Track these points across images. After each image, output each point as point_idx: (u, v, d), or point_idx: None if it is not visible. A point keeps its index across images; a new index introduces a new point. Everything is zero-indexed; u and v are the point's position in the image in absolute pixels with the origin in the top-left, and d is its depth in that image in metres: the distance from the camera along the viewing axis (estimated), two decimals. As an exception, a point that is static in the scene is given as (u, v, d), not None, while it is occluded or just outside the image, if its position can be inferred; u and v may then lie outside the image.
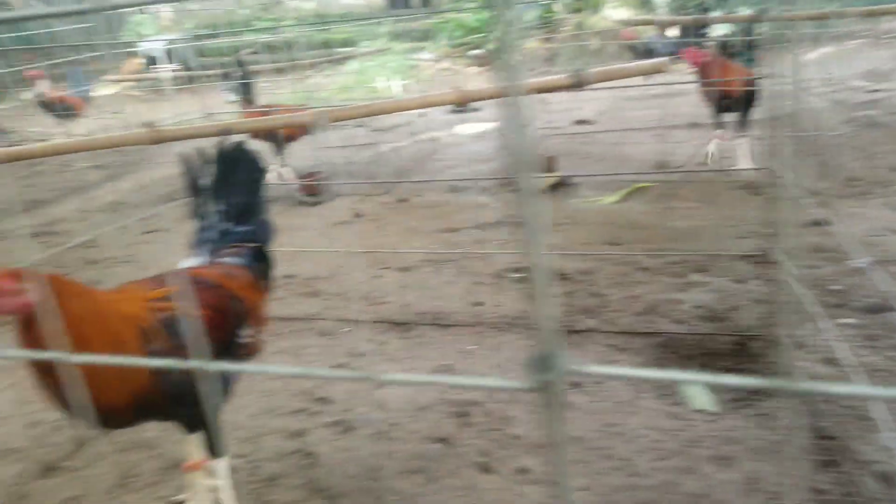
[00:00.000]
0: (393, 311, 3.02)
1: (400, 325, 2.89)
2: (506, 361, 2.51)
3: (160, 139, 1.64)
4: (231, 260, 1.92)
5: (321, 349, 2.75)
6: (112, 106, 9.81)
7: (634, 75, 2.93)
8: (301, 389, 2.43)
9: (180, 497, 1.90)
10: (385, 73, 9.23)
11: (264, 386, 2.46)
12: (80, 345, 1.37)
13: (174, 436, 2.23)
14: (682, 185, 4.28)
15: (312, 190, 4.88)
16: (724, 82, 4.24)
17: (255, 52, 8.27)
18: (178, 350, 1.50)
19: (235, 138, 2.05)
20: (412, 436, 2.12)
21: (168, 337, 1.54)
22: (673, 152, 4.82)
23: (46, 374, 1.42)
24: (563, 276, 3.11)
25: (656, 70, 2.91)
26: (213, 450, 1.74)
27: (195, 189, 1.95)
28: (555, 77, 2.78)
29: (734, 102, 4.30)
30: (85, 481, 2.05)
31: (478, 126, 6.89)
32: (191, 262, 1.89)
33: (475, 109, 7.08)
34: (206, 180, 1.93)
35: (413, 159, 5.92)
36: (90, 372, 1.27)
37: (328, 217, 4.54)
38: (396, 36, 11.01)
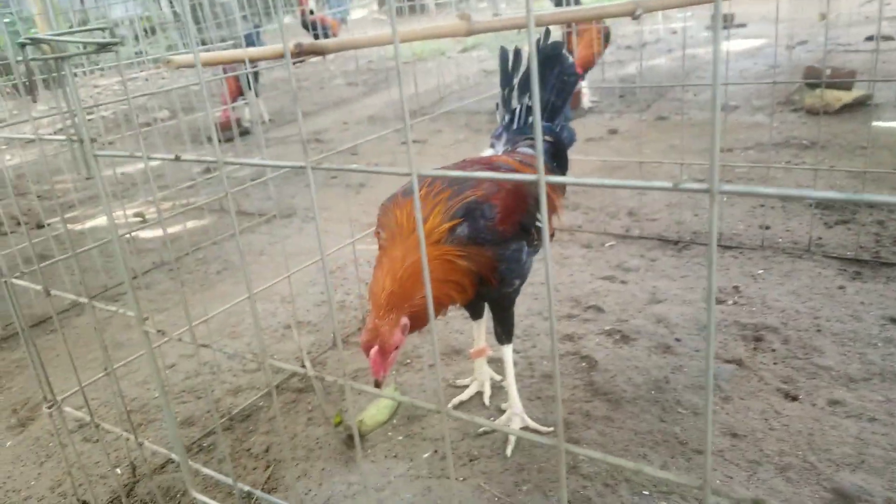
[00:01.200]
0: (662, 228, 2.82)
1: (671, 243, 2.69)
2: (802, 288, 2.22)
3: (473, 31, 1.58)
4: (527, 150, 1.88)
5: (586, 261, 2.66)
6: (361, 28, 10.42)
7: None
8: (570, 296, 2.37)
9: (465, 381, 1.95)
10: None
11: (532, 290, 2.44)
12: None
13: (451, 324, 2.32)
14: None
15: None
16: None
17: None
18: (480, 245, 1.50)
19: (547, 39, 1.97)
20: (697, 353, 1.96)
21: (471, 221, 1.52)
22: None
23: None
24: (871, 206, 2.67)
25: None
26: (504, 335, 1.74)
27: (506, 81, 1.95)
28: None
29: None
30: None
31: (744, 42, 6.19)
32: (489, 151, 1.88)
33: (741, 25, 6.35)
34: (516, 76, 1.93)
35: (671, 77, 5.49)
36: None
37: (580, 133, 4.38)
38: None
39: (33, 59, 1.11)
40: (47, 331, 2.64)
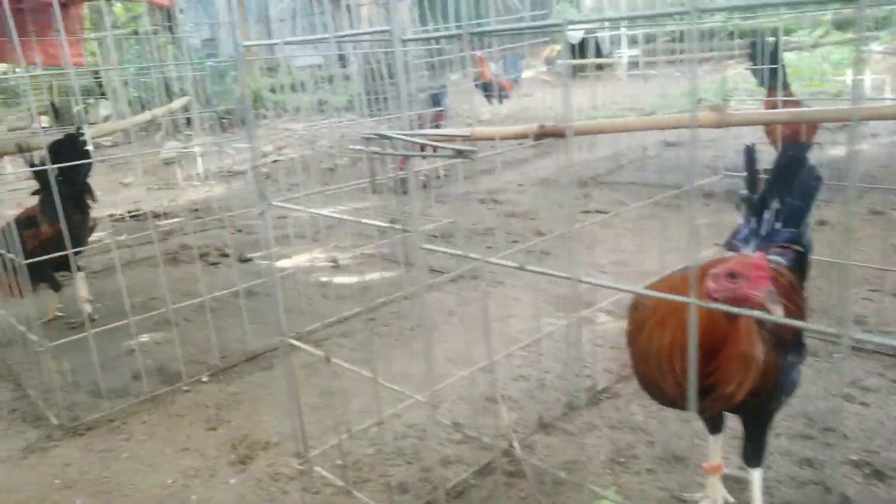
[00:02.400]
0: (900, 344, 2.54)
1: (917, 364, 2.42)
2: None
3: (725, 123, 1.50)
4: (777, 259, 1.78)
5: (814, 371, 2.43)
6: (530, 88, 10.60)
7: None
8: (803, 412, 2.17)
9: (694, 496, 1.82)
10: (825, 66, 8.19)
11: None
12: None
13: (670, 425, 2.19)
14: None
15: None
16: None
17: (671, 41, 8.03)
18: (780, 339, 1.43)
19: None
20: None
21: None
22: None
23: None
24: None
25: None
26: (754, 457, 1.61)
27: (752, 182, 1.90)
28: None
29: None
30: (581, 449, 2.10)
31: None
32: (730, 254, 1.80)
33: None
34: (763, 176, 1.88)
35: (881, 165, 5.09)
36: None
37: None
38: (841, 25, 9.68)
39: (375, 153, 1.17)
40: (259, 367, 2.79)
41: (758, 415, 1.57)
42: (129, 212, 5.78)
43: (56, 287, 3.32)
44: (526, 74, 11.42)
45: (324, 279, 3.83)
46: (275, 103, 10.68)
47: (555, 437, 2.18)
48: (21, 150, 2.72)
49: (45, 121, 10.47)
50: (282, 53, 7.95)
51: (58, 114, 10.91)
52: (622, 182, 5.58)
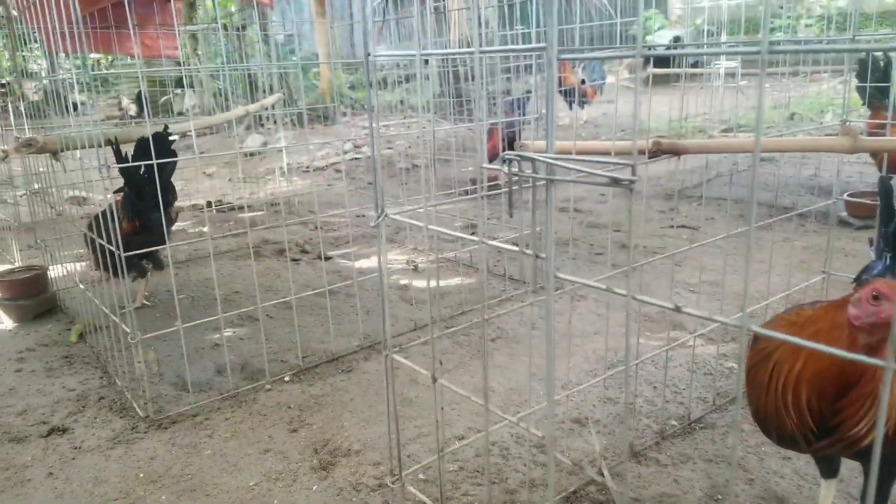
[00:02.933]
0: None
1: None
2: None
3: (859, 149, 1.35)
4: None
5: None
6: (610, 94, 10.35)
7: None
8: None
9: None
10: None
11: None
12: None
13: (770, 461, 2.04)
14: None
15: (864, 211, 4.22)
16: None
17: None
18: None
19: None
20: None
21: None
22: None
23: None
24: None
25: None
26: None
27: (889, 216, 1.74)
28: None
29: None
30: (675, 482, 1.98)
31: None
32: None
33: None
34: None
35: None
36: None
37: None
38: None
39: (517, 174, 1.09)
40: (340, 370, 2.76)
41: (887, 461, 1.42)
42: (212, 202, 5.91)
43: (143, 273, 3.39)
44: (608, 80, 11.17)
45: (403, 282, 3.79)
46: (353, 101, 10.79)
47: (646, 466, 2.06)
48: (110, 143, 2.77)
49: (132, 110, 10.90)
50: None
51: (145, 103, 11.33)
52: (711, 197, 5.35)
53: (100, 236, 2.62)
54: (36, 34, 3.38)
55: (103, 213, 3.26)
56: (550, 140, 0.98)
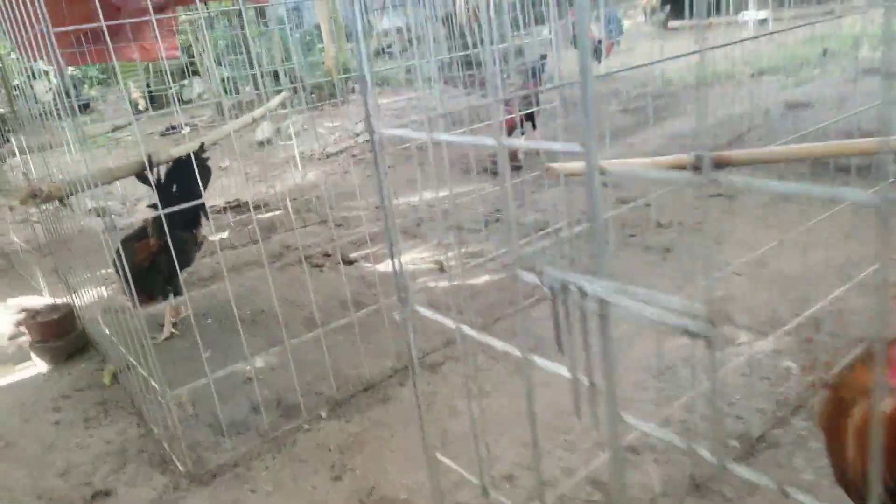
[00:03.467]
0: None
1: None
2: None
3: None
4: None
5: None
6: (630, 43, 9.96)
7: None
8: None
9: None
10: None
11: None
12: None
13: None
14: None
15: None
16: None
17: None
18: None
19: None
20: None
21: None
22: None
23: None
24: None
25: None
26: None
27: None
28: None
29: None
30: (742, 516, 1.87)
31: None
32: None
33: None
34: None
35: None
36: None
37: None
38: None
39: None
40: (376, 399, 2.68)
41: None
42: (229, 202, 5.81)
43: (167, 295, 3.34)
44: (625, 26, 10.75)
45: (430, 283, 3.68)
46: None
47: (710, 500, 1.96)
48: (150, 162, 2.75)
49: (140, 104, 10.78)
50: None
51: (153, 98, 11.19)
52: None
53: (127, 260, 2.56)
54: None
55: (129, 237, 3.23)
56: (601, 265, 0.83)
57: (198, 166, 2.96)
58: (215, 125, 9.43)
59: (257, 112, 3.78)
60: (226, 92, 8.68)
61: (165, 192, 3.06)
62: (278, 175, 6.63)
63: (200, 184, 2.91)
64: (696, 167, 1.89)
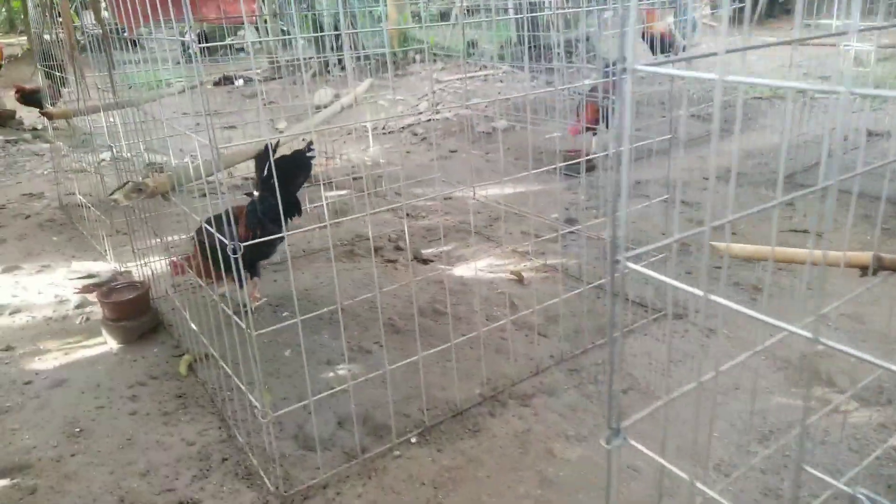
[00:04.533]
0: None
1: None
2: None
3: None
4: None
5: None
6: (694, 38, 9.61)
7: None
8: None
9: None
10: None
11: None
12: None
13: None
14: None
15: None
16: None
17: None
18: None
19: None
20: None
21: None
22: None
23: None
24: None
25: None
26: None
27: None
28: None
29: None
30: None
31: None
32: None
33: None
34: None
35: None
36: None
37: None
38: None
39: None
40: (466, 429, 2.60)
41: None
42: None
43: (254, 274, 3.43)
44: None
45: (513, 298, 3.57)
46: (420, 44, 10.25)
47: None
48: (273, 150, 2.78)
49: (194, 46, 10.58)
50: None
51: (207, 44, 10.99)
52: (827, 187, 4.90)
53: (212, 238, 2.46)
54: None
55: (217, 216, 3.16)
56: None
57: (299, 167, 2.90)
58: (271, 79, 9.24)
59: (345, 99, 3.65)
60: (283, 46, 8.49)
61: (266, 181, 3.01)
62: (339, 148, 6.50)
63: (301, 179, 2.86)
64: (878, 269, 1.74)
